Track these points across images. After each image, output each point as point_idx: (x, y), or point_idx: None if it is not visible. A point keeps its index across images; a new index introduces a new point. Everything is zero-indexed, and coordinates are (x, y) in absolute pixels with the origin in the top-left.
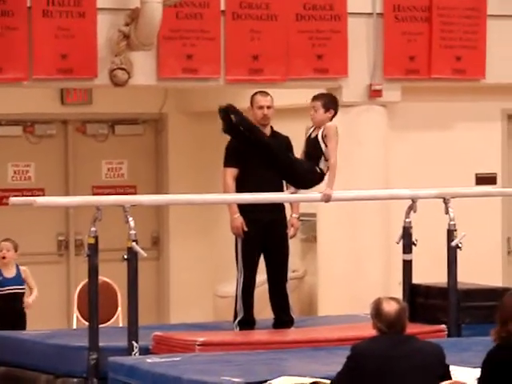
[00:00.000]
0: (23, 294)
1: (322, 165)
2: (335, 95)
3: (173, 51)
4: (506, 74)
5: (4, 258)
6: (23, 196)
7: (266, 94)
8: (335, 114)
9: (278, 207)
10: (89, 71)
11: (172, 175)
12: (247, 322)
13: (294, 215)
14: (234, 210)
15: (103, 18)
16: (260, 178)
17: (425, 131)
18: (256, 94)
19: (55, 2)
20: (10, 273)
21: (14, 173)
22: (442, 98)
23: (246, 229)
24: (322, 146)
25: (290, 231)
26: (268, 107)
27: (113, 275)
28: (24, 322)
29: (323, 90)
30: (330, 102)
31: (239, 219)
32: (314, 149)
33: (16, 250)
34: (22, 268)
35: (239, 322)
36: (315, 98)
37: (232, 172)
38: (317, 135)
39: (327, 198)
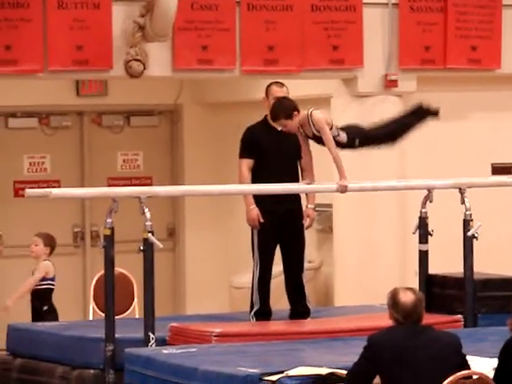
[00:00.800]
0: (51, 289)
1: (341, 138)
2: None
3: (188, 42)
4: None
5: (32, 252)
6: (39, 188)
7: (282, 84)
8: (298, 111)
9: (294, 198)
10: (104, 63)
11: (187, 166)
12: (264, 312)
13: (309, 206)
14: (249, 202)
15: (118, 9)
16: (275, 168)
17: (440, 121)
18: (271, 84)
19: None
20: None
21: (30, 165)
22: (457, 88)
23: (262, 220)
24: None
25: (306, 222)
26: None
27: (129, 266)
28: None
29: (339, 81)
30: (287, 107)
31: (255, 210)
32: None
33: (46, 244)
34: (42, 262)
35: (255, 312)
36: (275, 119)
37: (248, 163)
38: (314, 133)
39: (343, 189)
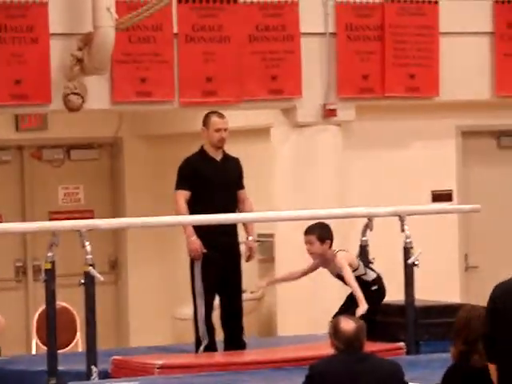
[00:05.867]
0: None
1: (367, 277)
2: (326, 223)
3: (126, 75)
4: (460, 91)
5: None
6: None
7: (223, 115)
8: (331, 243)
9: (233, 230)
10: (43, 97)
11: (129, 199)
12: (213, 347)
13: (250, 238)
14: (190, 233)
15: (56, 43)
16: (215, 199)
17: (380, 149)
18: (212, 115)
19: (8, 29)
20: None
21: None
22: (396, 116)
23: (204, 251)
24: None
25: (248, 254)
26: (225, 130)
27: (72, 300)
28: None
29: (278, 111)
30: (325, 232)
31: (197, 241)
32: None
33: None
34: None
35: (205, 348)
36: (307, 232)
37: (185, 194)
38: (339, 274)
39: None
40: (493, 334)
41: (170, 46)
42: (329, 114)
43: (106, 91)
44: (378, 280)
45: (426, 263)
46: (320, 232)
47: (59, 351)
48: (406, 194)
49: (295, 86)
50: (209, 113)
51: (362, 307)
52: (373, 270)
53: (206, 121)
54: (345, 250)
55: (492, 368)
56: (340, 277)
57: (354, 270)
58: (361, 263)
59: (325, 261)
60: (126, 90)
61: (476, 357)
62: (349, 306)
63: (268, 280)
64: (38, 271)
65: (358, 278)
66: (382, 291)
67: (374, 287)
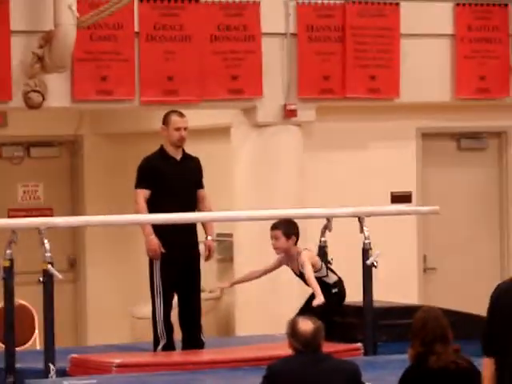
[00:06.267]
0: None
1: (329, 279)
2: (293, 220)
3: (87, 73)
4: (420, 93)
5: None
6: None
7: (183, 114)
8: (297, 239)
9: (193, 229)
10: (3, 94)
11: (88, 197)
12: (171, 346)
13: (209, 237)
14: (148, 232)
15: (17, 40)
16: (175, 198)
17: (340, 150)
18: (172, 114)
19: None
20: None
21: None
22: (356, 118)
23: (163, 250)
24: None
25: (207, 254)
26: (185, 129)
27: (30, 298)
28: None
29: (238, 110)
30: (291, 228)
31: (155, 240)
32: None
33: None
34: None
35: (163, 347)
36: (274, 227)
37: (144, 193)
38: (302, 273)
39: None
40: (491, 331)
41: (131, 44)
42: (289, 114)
43: (67, 89)
44: (339, 283)
45: (385, 264)
46: (286, 228)
47: (17, 349)
48: (366, 195)
49: (256, 86)
50: (168, 112)
51: (319, 299)
52: (335, 273)
53: (165, 120)
54: (310, 250)
55: (486, 362)
56: (302, 275)
57: (316, 271)
58: (323, 265)
59: (289, 258)
60: (87, 88)
61: (433, 358)
62: (308, 307)
63: (230, 281)
64: None
65: (320, 280)
66: (342, 294)
67: (335, 290)
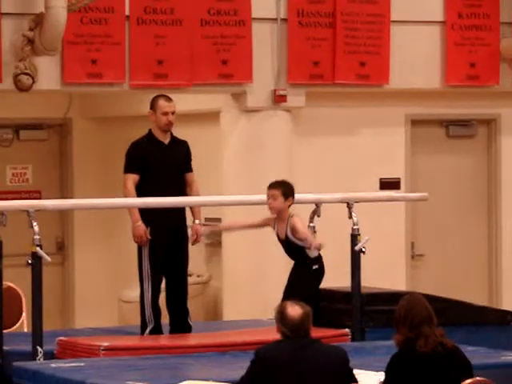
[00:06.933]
0: None
1: (310, 253)
2: (291, 183)
3: (77, 56)
4: (410, 80)
5: None
6: None
7: (170, 99)
8: (292, 202)
9: (181, 213)
10: None
11: (77, 180)
12: (159, 330)
13: (196, 221)
14: (136, 218)
15: (7, 22)
16: (163, 182)
17: (329, 136)
18: (159, 98)
19: None
20: None
21: None
22: (346, 104)
23: (149, 237)
24: (298, 242)
25: (194, 237)
26: (172, 113)
27: (18, 280)
28: None
29: (228, 95)
30: (289, 190)
31: (141, 227)
32: (296, 251)
33: None
34: None
35: (151, 331)
36: (273, 187)
37: (133, 178)
38: (288, 237)
39: (319, 247)
40: None
41: (122, 28)
42: (279, 99)
43: (57, 72)
44: (320, 259)
45: (373, 250)
46: (285, 188)
47: (5, 331)
48: (355, 181)
49: (246, 70)
50: (156, 96)
51: (315, 244)
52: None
53: (153, 104)
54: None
55: None
56: (286, 241)
57: (302, 241)
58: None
59: (279, 220)
60: (77, 71)
61: (421, 341)
62: (292, 289)
63: (211, 227)
64: None
65: (302, 250)
66: (321, 271)
67: (315, 266)
